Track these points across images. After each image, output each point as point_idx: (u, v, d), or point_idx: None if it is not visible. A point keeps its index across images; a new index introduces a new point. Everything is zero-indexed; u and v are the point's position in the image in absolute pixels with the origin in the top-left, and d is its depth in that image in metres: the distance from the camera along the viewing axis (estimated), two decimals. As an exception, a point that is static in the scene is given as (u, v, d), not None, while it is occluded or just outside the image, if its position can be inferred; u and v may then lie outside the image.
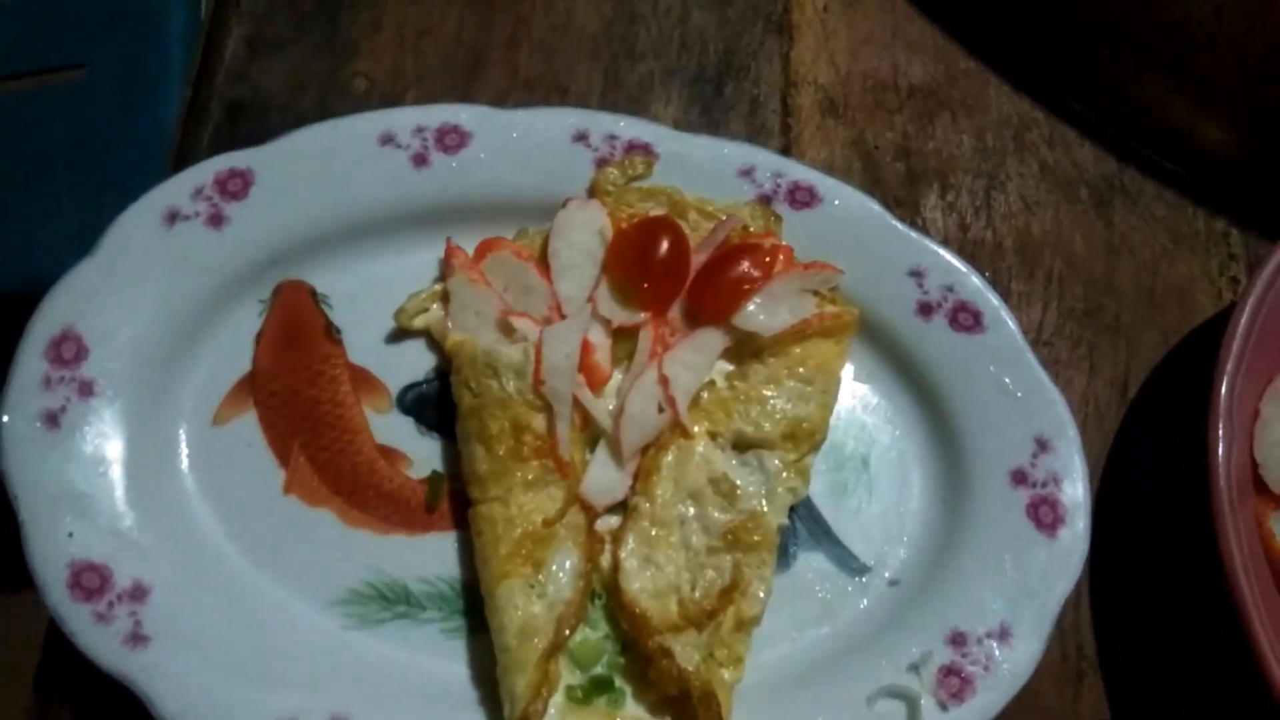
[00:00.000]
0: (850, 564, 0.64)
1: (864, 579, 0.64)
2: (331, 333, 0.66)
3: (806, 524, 0.65)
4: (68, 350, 0.60)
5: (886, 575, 0.64)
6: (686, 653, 0.57)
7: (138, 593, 0.57)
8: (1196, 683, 0.66)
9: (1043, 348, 0.73)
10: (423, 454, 0.65)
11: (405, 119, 0.68)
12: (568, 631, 0.58)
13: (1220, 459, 0.61)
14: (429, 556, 0.62)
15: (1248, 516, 0.64)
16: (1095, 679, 0.66)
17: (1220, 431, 0.62)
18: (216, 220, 0.64)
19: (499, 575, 0.59)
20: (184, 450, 0.62)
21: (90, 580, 0.56)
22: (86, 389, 0.60)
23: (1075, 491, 0.63)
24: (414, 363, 0.67)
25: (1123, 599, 0.67)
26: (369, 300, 0.67)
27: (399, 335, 0.67)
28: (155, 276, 0.63)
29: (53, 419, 0.59)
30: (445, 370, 0.66)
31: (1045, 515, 0.63)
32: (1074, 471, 0.64)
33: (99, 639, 0.55)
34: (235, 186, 0.65)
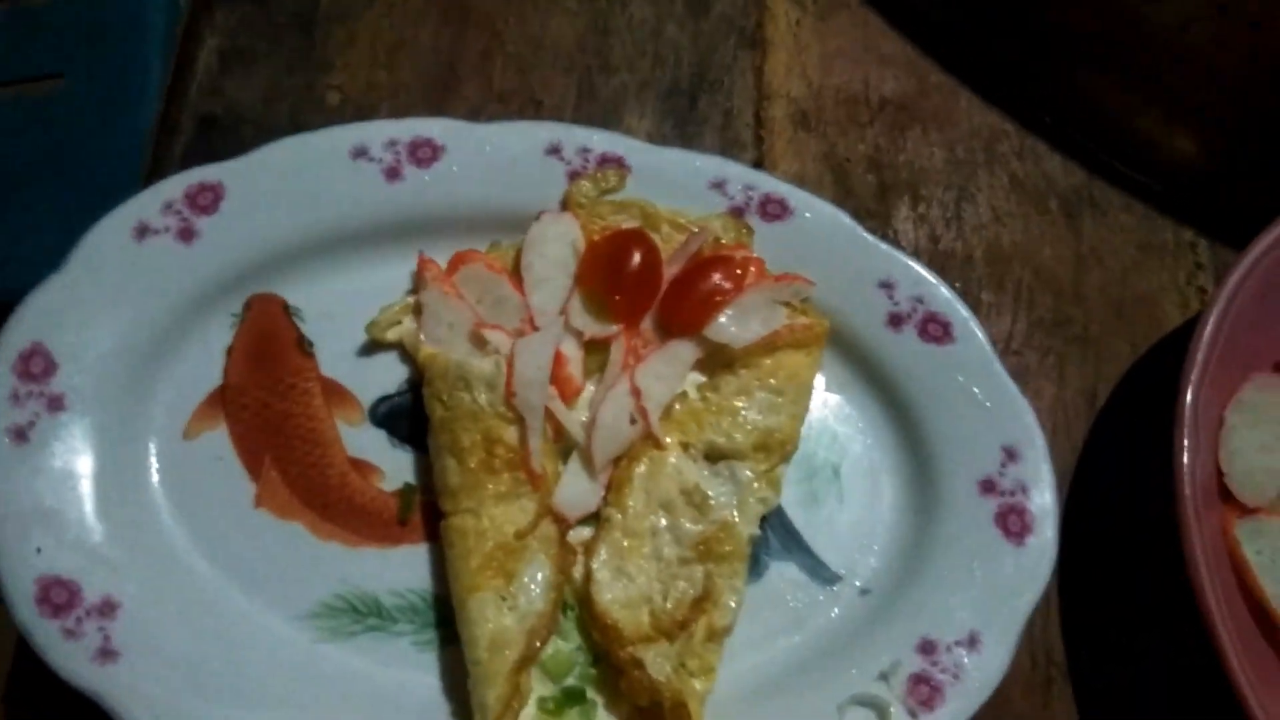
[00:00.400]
0: (821, 573, 0.65)
1: (835, 588, 0.64)
2: (304, 346, 0.66)
3: (778, 534, 0.65)
4: (36, 365, 0.60)
5: (857, 584, 0.64)
6: (658, 663, 0.58)
7: (107, 608, 0.56)
8: (1164, 688, 0.66)
9: (1012, 358, 0.74)
10: (395, 467, 0.65)
11: (378, 132, 0.68)
12: (539, 643, 0.58)
13: (1186, 467, 0.62)
14: (401, 569, 0.62)
15: (1213, 524, 0.65)
16: (1064, 685, 0.66)
17: (1186, 440, 0.63)
18: (187, 234, 0.64)
19: (470, 588, 0.59)
20: (154, 464, 0.62)
21: (59, 595, 0.56)
22: (55, 404, 0.60)
23: (1043, 500, 0.64)
24: (386, 375, 0.67)
25: (1091, 606, 0.68)
26: (341, 313, 0.67)
27: (371, 348, 0.67)
28: (125, 291, 0.62)
29: (21, 434, 0.59)
30: (417, 383, 0.66)
31: (1013, 524, 0.63)
32: (1042, 480, 0.64)
33: (68, 655, 0.55)
34: (206, 200, 0.65)
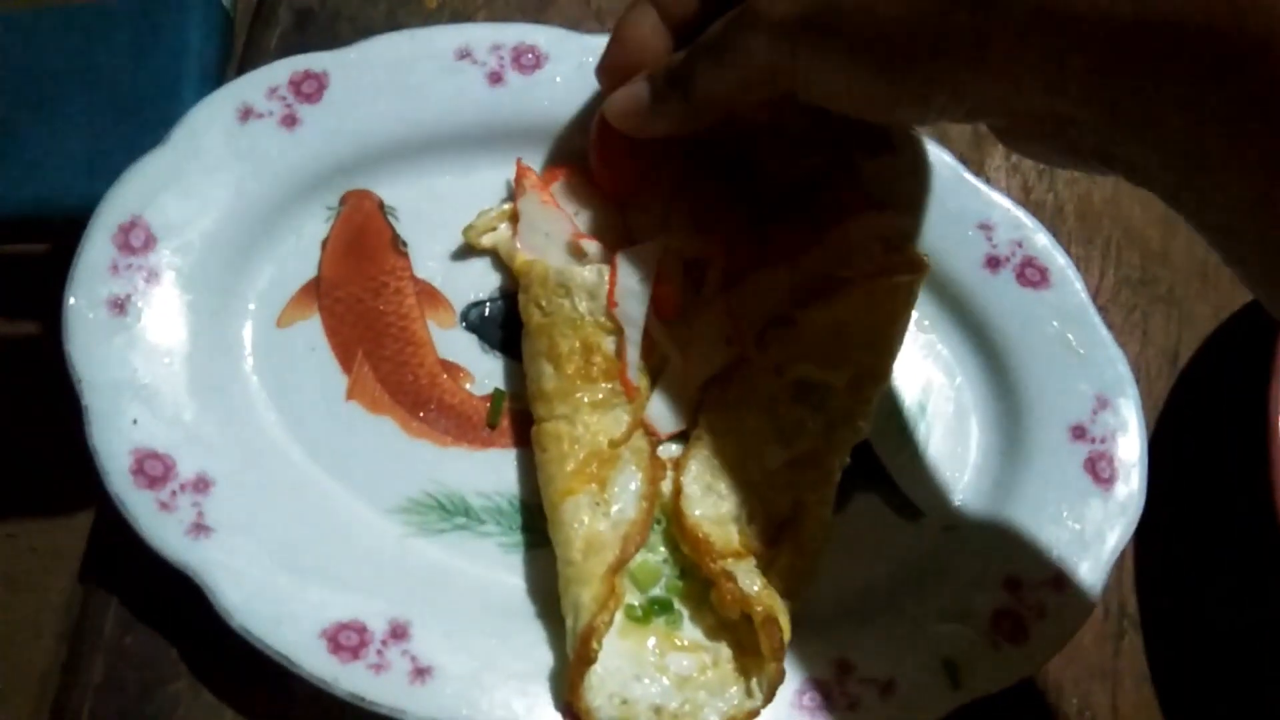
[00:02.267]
0: (905, 508, 0.65)
1: (919, 523, 0.64)
2: (397, 245, 0.66)
3: (864, 466, 0.65)
4: (136, 238, 0.59)
5: (941, 521, 0.64)
6: (748, 579, 0.57)
7: (201, 484, 0.56)
8: (1237, 650, 0.66)
9: (1098, 312, 0.73)
10: (484, 371, 0.64)
11: (482, 35, 0.67)
12: (634, 549, 0.58)
13: (1278, 426, 0.62)
14: (488, 472, 0.62)
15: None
16: (1135, 637, 0.67)
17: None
18: (290, 121, 0.63)
19: (564, 491, 0.58)
20: (248, 349, 0.61)
21: (154, 468, 0.55)
22: (154, 278, 0.59)
23: (1133, 449, 0.64)
24: (479, 281, 0.66)
25: (1167, 563, 0.68)
26: (436, 216, 0.66)
27: (464, 253, 0.66)
28: (226, 171, 0.62)
29: (119, 305, 0.58)
30: (510, 291, 0.65)
31: (1103, 470, 0.63)
32: (1132, 430, 0.64)
33: (162, 527, 0.54)
34: (310, 88, 0.64)
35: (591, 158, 0.64)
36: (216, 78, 1.33)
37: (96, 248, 0.58)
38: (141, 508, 0.55)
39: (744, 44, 0.51)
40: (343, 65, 0.65)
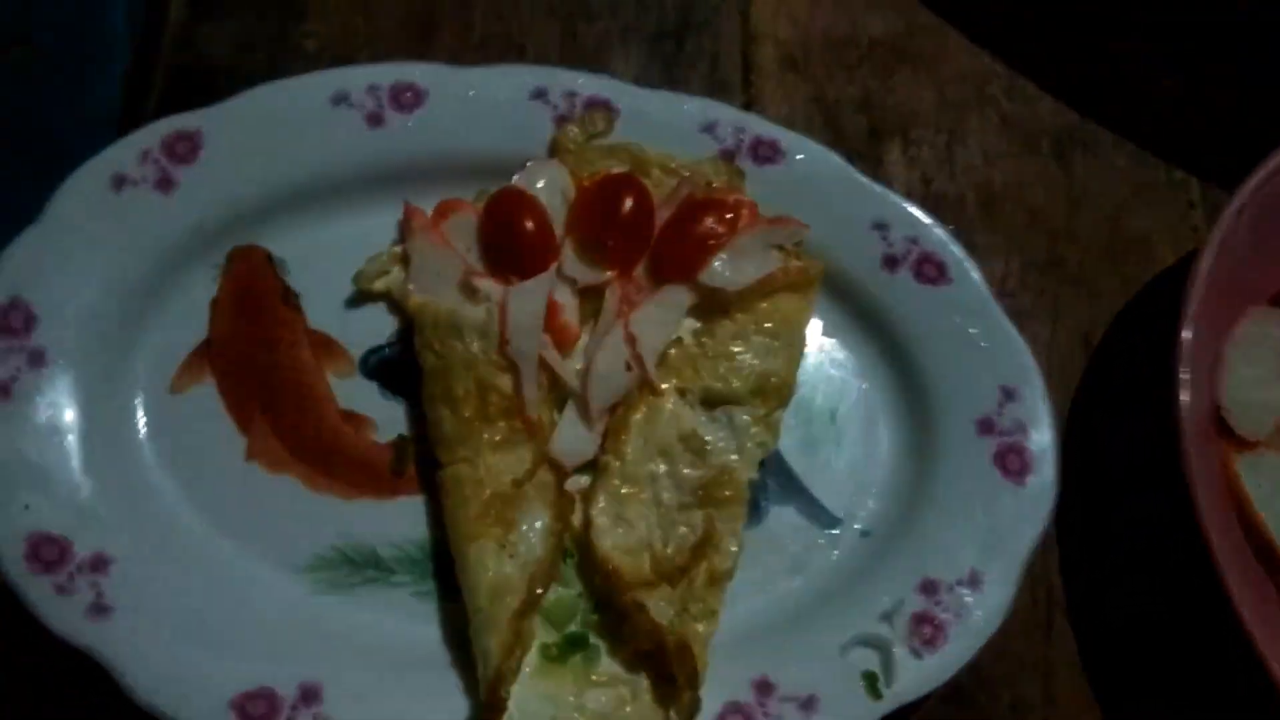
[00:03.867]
0: (821, 517, 0.64)
1: (835, 531, 0.64)
2: (289, 298, 0.65)
3: (776, 478, 0.65)
4: (15, 319, 0.58)
5: (857, 527, 0.64)
6: (660, 608, 0.57)
7: (99, 564, 0.55)
8: (1166, 625, 0.66)
9: (1006, 299, 0.73)
10: (388, 418, 0.64)
11: (358, 77, 0.67)
12: (540, 590, 0.57)
13: (1185, 403, 0.62)
14: (397, 521, 0.61)
15: (1212, 459, 0.65)
16: (1064, 624, 0.66)
17: (1185, 376, 0.62)
18: (165, 184, 0.63)
19: (469, 536, 0.58)
20: (141, 419, 0.61)
21: (49, 552, 0.55)
22: (37, 359, 0.58)
23: (1042, 439, 0.64)
24: (375, 326, 0.66)
25: (1090, 545, 0.68)
26: (326, 264, 0.66)
27: (359, 299, 0.66)
28: (104, 243, 0.61)
29: (3, 390, 0.57)
30: (407, 333, 0.65)
31: (1013, 463, 0.63)
32: (1041, 420, 0.64)
33: (60, 611, 0.54)
34: (184, 149, 0.64)
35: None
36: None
37: (-26, 334, 0.57)
38: (39, 593, 0.54)
39: None
40: (216, 122, 0.64)
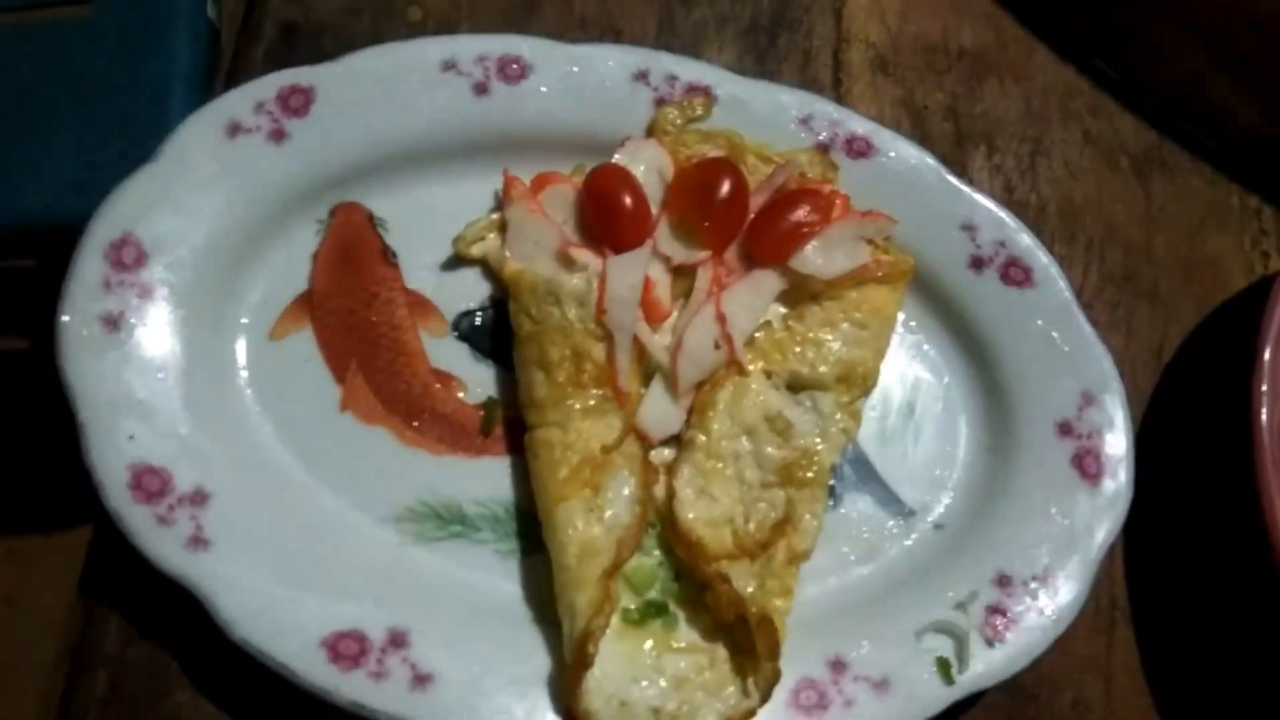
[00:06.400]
0: (895, 507, 0.65)
1: (908, 522, 0.65)
2: (388, 256, 0.66)
3: (854, 466, 0.66)
4: (128, 255, 0.60)
5: (931, 519, 0.65)
6: (742, 581, 0.58)
7: (198, 497, 0.56)
8: (1226, 639, 0.67)
9: (1082, 309, 0.74)
10: (477, 380, 0.65)
11: (468, 47, 0.68)
12: (626, 553, 0.58)
13: (1263, 419, 0.63)
14: (483, 480, 0.63)
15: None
16: (1127, 629, 0.67)
17: (1264, 392, 0.63)
18: (278, 135, 0.64)
19: (557, 498, 0.59)
20: (242, 362, 0.62)
21: (151, 483, 0.56)
22: (146, 294, 0.59)
23: (1119, 444, 0.65)
24: (469, 290, 0.67)
25: (1156, 554, 0.69)
26: (425, 226, 0.67)
27: (454, 263, 0.67)
28: (216, 187, 0.62)
29: (112, 322, 0.58)
30: (500, 299, 0.66)
31: (1090, 466, 0.64)
32: (1118, 425, 0.65)
33: (160, 541, 0.55)
34: (297, 103, 0.65)
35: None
36: (202, 91, 1.33)
37: (89, 265, 0.59)
38: (139, 522, 0.55)
39: None
40: (329, 79, 0.65)
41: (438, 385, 0.64)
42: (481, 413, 0.64)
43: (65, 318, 0.57)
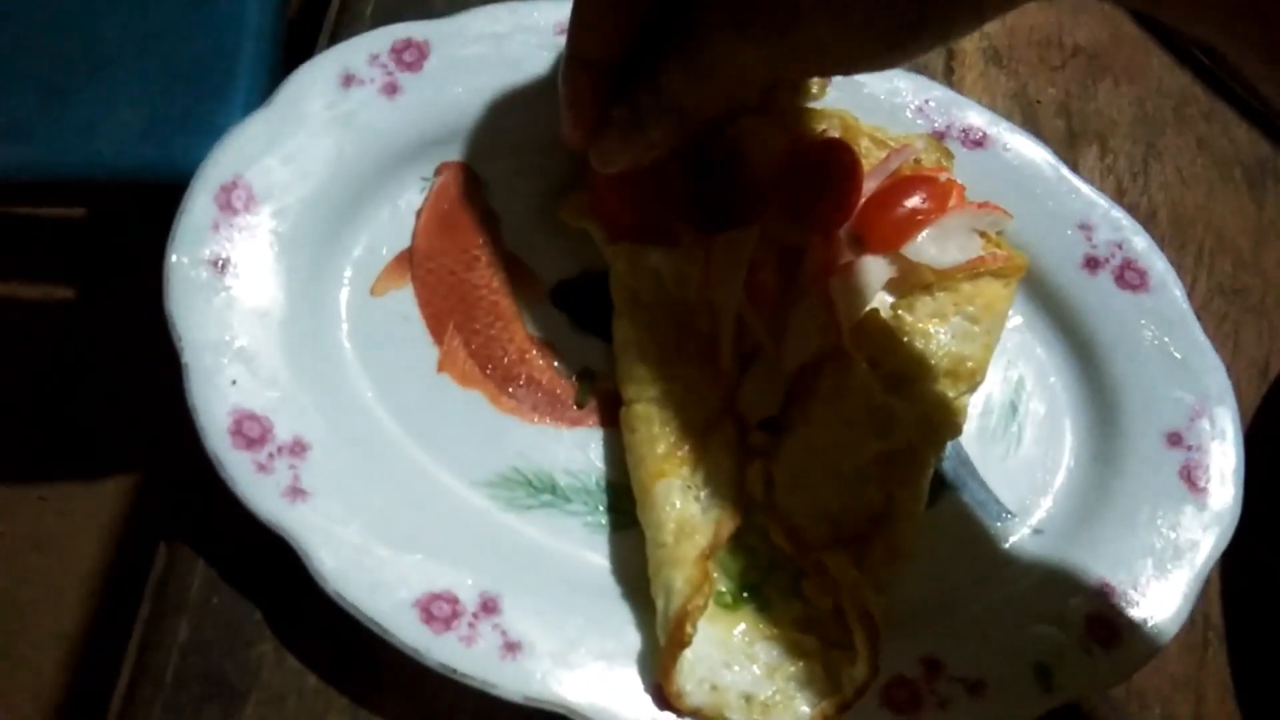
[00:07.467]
0: (993, 509, 0.64)
1: (1007, 524, 0.63)
2: (490, 219, 0.65)
3: (953, 464, 0.65)
4: (237, 198, 0.59)
5: (1031, 524, 0.64)
6: (840, 571, 0.57)
7: (297, 447, 0.56)
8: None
9: (1194, 319, 0.72)
10: (573, 350, 0.64)
11: (584, 11, 0.67)
12: (725, 535, 0.57)
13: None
14: (575, 451, 0.62)
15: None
16: (1219, 650, 0.65)
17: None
18: (391, 89, 0.63)
19: (655, 473, 0.58)
20: (343, 315, 0.61)
21: (251, 429, 0.55)
22: (254, 239, 0.59)
23: (1230, 458, 0.63)
24: (569, 259, 0.66)
25: (1253, 573, 0.67)
26: (528, 191, 0.66)
27: (555, 231, 0.66)
28: (328, 137, 0.61)
29: (220, 265, 0.58)
30: (600, 270, 0.65)
31: (1199, 478, 0.62)
32: (1229, 439, 0.63)
33: (259, 489, 0.54)
34: (411, 57, 0.64)
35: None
36: (272, 45, 1.33)
37: (199, 206, 0.58)
38: (240, 468, 0.54)
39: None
40: (443, 35, 0.65)
41: (534, 353, 0.63)
42: (577, 383, 0.63)
43: (174, 258, 0.57)
